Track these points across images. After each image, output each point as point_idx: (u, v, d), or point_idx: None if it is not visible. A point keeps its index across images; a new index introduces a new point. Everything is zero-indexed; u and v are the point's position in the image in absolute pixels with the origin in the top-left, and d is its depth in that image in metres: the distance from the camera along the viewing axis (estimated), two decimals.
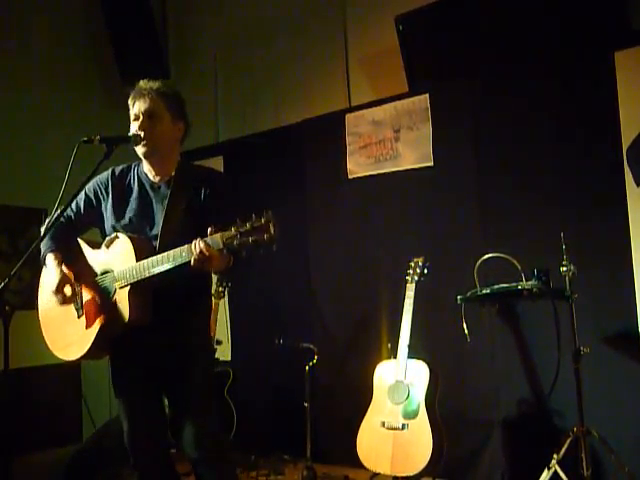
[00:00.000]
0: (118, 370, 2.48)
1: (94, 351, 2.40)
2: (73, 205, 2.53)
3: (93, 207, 2.53)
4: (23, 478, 3.72)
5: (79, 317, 2.45)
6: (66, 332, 2.48)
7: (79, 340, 2.41)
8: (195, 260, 2.10)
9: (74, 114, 5.18)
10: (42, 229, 2.40)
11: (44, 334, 2.57)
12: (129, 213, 2.44)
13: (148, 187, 2.48)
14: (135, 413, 2.44)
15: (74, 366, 5.08)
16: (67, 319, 2.48)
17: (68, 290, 2.40)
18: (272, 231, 2.07)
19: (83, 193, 2.52)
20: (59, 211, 2.38)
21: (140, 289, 2.29)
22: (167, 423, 2.47)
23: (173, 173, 2.47)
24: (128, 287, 2.29)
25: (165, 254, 2.20)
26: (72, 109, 5.22)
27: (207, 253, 2.07)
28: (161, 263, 2.21)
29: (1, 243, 4.78)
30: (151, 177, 2.50)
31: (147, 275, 2.24)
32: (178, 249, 2.17)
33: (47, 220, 2.38)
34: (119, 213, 2.46)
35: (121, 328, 2.31)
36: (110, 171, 2.55)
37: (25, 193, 4.88)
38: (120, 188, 2.51)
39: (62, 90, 5.22)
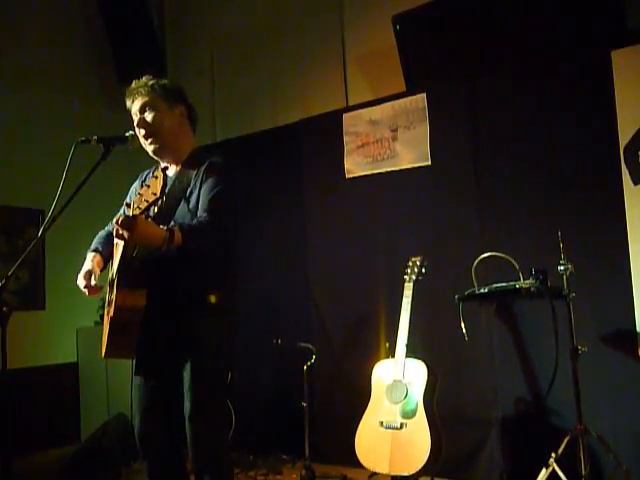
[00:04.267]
0: (139, 358, 2.45)
1: (112, 349, 2.37)
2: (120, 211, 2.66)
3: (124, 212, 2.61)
4: (22, 479, 3.72)
5: (107, 314, 2.48)
6: (104, 330, 2.52)
7: (104, 339, 2.43)
8: (116, 231, 2.10)
9: (72, 115, 5.19)
10: (40, 230, 2.41)
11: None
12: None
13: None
14: (150, 402, 2.43)
15: (71, 366, 5.10)
16: (106, 317, 2.53)
17: (86, 279, 2.47)
18: (158, 189, 2.04)
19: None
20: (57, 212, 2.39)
21: (124, 276, 2.28)
22: (182, 419, 2.38)
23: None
24: (117, 277, 2.31)
25: None
26: (70, 110, 5.22)
27: (117, 221, 2.07)
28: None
29: None
30: (167, 171, 2.52)
31: (119, 260, 2.25)
32: None
33: (45, 220, 2.39)
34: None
35: (122, 321, 2.29)
36: (140, 175, 2.64)
37: (23, 194, 4.88)
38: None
39: (60, 91, 5.22)
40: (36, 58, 5.09)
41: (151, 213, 2.17)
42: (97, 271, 2.52)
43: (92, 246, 2.66)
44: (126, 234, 2.09)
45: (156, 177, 2.03)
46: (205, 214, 2.31)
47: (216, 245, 2.38)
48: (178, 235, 2.17)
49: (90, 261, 2.55)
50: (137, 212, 2.07)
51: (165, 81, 2.54)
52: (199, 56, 5.59)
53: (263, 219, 4.54)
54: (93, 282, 2.47)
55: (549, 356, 3.43)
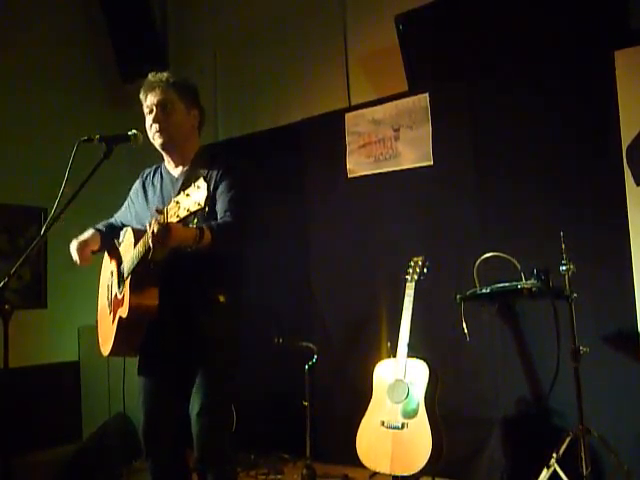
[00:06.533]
0: (144, 357, 2.47)
1: (120, 347, 2.40)
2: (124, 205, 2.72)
3: (128, 209, 2.67)
4: (23, 478, 3.71)
5: (110, 313, 2.49)
6: (104, 328, 2.54)
7: (109, 336, 2.43)
8: (153, 236, 2.07)
9: (74, 113, 5.19)
10: (42, 228, 2.41)
11: (97, 330, 2.64)
12: (151, 210, 2.44)
13: (168, 181, 2.51)
14: (154, 401, 2.43)
15: (73, 365, 5.10)
16: (105, 314, 2.55)
17: (82, 247, 2.55)
18: (202, 198, 1.95)
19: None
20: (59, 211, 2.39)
21: (139, 277, 2.28)
22: (186, 418, 2.40)
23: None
24: (129, 277, 2.30)
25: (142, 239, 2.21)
26: (72, 108, 5.22)
27: (155, 226, 2.04)
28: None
29: (1, 242, 4.78)
30: (171, 170, 2.54)
31: (136, 262, 2.24)
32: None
33: (48, 219, 2.39)
34: (145, 212, 2.51)
35: (135, 320, 2.29)
36: (141, 174, 2.66)
37: (25, 192, 4.88)
38: (146, 188, 2.58)
39: (62, 89, 5.23)
40: (38, 57, 5.09)
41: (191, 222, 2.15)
42: (93, 247, 2.56)
43: (97, 225, 2.67)
44: (160, 244, 2.09)
45: (199, 187, 1.97)
46: (228, 213, 2.32)
47: (240, 243, 2.42)
48: (208, 234, 2.19)
49: (89, 235, 2.58)
50: (175, 220, 2.01)
51: (187, 80, 2.56)
52: (201, 55, 5.58)
53: (265, 219, 4.52)
54: (87, 253, 2.52)
55: (551, 356, 3.42)
